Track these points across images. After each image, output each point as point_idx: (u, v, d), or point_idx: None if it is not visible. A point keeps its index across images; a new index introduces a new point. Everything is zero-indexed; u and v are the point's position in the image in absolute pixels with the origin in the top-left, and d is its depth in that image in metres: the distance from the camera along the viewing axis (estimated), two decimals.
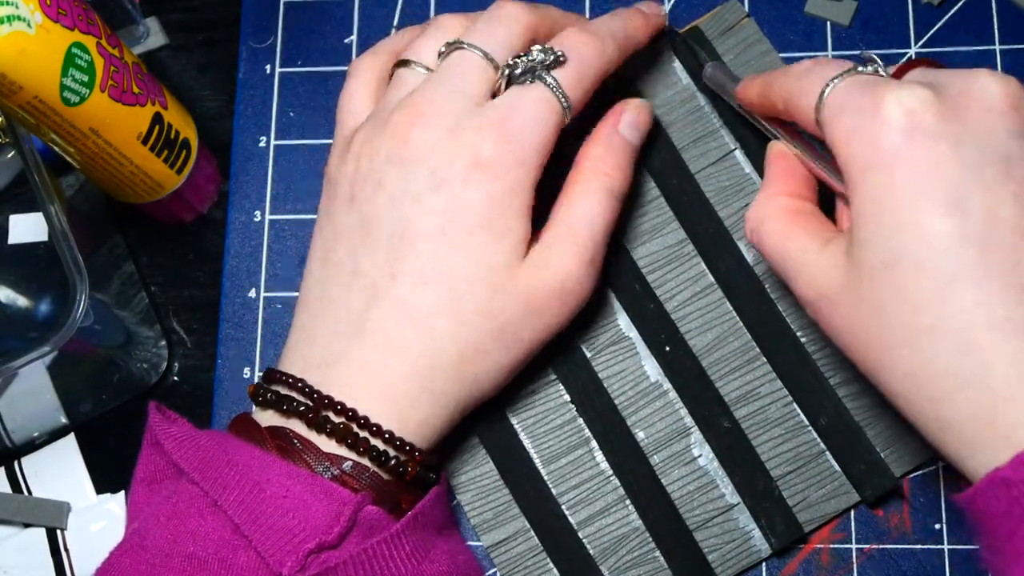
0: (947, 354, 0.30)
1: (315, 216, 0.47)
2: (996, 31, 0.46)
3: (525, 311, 0.38)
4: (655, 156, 0.45)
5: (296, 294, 0.47)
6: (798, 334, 0.43)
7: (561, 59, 0.39)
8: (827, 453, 0.42)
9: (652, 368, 0.43)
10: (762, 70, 0.45)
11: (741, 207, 0.44)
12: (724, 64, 0.45)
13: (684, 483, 0.42)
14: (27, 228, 0.48)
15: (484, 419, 0.43)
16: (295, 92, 0.49)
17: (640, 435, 0.43)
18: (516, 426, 0.43)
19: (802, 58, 0.46)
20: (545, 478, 0.43)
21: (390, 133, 0.39)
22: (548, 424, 0.43)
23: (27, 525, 0.45)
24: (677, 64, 0.46)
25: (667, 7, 0.48)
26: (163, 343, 0.47)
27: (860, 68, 0.34)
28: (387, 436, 0.37)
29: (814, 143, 0.38)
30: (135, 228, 0.49)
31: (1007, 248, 0.30)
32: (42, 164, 0.41)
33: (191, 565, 0.35)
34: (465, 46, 0.39)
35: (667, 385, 0.43)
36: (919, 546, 0.41)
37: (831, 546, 0.41)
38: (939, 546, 0.41)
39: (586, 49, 0.40)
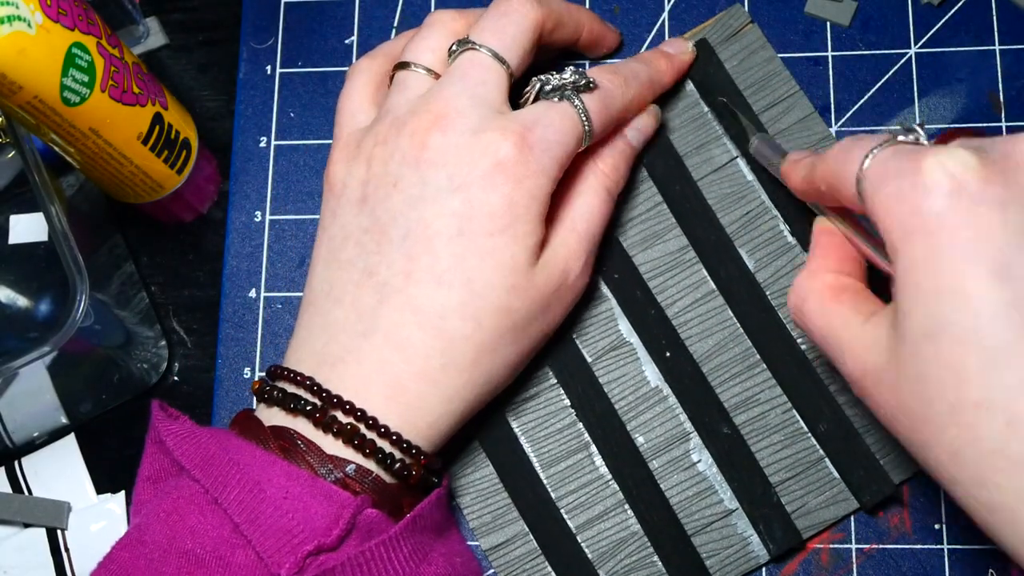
0: (995, 432, 0.28)
1: (315, 216, 0.47)
2: (996, 31, 0.46)
3: (536, 308, 0.39)
4: (657, 162, 0.45)
5: (296, 294, 0.47)
6: (798, 341, 0.43)
7: (592, 85, 0.40)
8: (826, 459, 0.42)
9: (652, 373, 0.43)
10: (765, 76, 0.45)
11: (742, 214, 0.44)
12: (769, 136, 0.44)
13: (683, 488, 0.42)
14: (27, 228, 0.48)
15: (484, 422, 0.43)
16: (295, 92, 0.49)
17: (639, 440, 0.43)
18: (516, 430, 0.43)
19: (802, 58, 0.46)
20: (544, 482, 0.43)
21: (407, 136, 0.38)
22: (548, 428, 0.43)
23: (27, 525, 0.45)
24: None
25: (667, 7, 0.48)
26: (163, 343, 0.47)
27: (901, 137, 0.33)
28: (394, 438, 0.37)
29: (861, 220, 0.37)
30: (135, 228, 0.49)
31: None
32: (42, 164, 0.41)
33: (189, 562, 0.35)
34: (476, 46, 0.39)
35: (667, 390, 0.43)
36: (919, 546, 0.41)
37: (831, 546, 0.42)
38: (939, 546, 0.41)
39: (610, 85, 0.41)
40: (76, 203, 0.48)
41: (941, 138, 0.35)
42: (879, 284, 0.36)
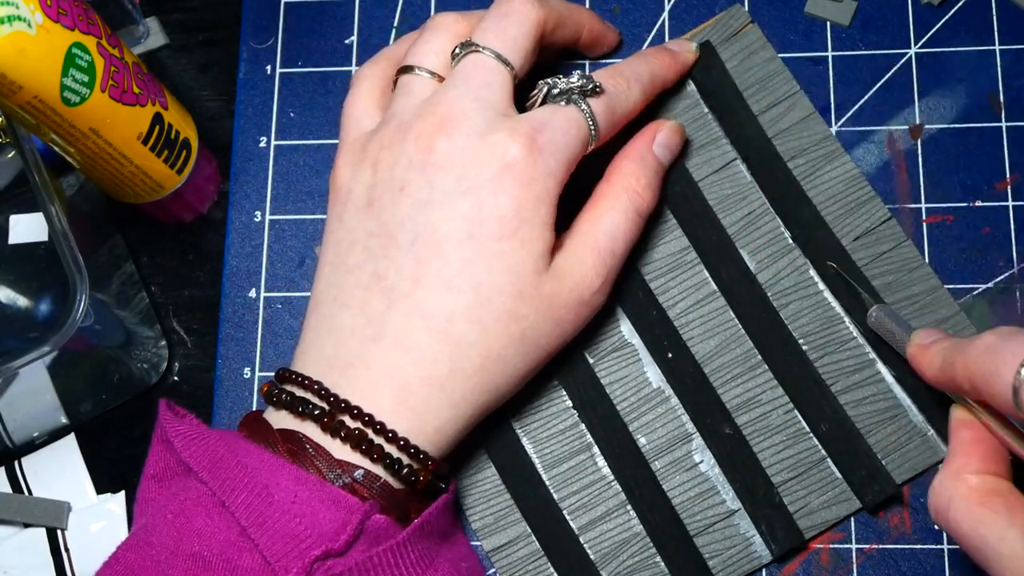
0: None
1: (316, 216, 0.47)
2: (996, 31, 0.46)
3: (546, 318, 0.38)
4: None
5: (296, 294, 0.47)
6: (799, 342, 0.43)
7: (598, 89, 0.40)
8: (828, 460, 0.42)
9: (654, 374, 0.43)
10: (765, 76, 0.45)
11: (743, 215, 0.44)
12: (889, 307, 0.42)
13: (685, 489, 0.42)
14: (27, 228, 0.48)
15: (486, 424, 0.43)
16: (295, 92, 0.49)
17: (642, 441, 0.43)
18: (518, 431, 0.43)
19: (802, 58, 0.46)
20: (547, 483, 0.43)
21: (413, 140, 0.38)
22: (550, 429, 0.43)
23: (27, 525, 0.45)
24: None
25: (667, 7, 0.48)
26: (163, 343, 0.47)
27: None
28: (402, 443, 0.37)
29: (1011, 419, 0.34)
30: (135, 228, 0.49)
31: None
32: (42, 164, 0.41)
33: (195, 564, 0.35)
34: (479, 49, 0.39)
35: (669, 391, 0.43)
36: (919, 546, 0.41)
37: (831, 546, 0.42)
38: (939, 546, 0.41)
39: (615, 88, 0.41)
40: (76, 203, 0.48)
41: None
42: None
